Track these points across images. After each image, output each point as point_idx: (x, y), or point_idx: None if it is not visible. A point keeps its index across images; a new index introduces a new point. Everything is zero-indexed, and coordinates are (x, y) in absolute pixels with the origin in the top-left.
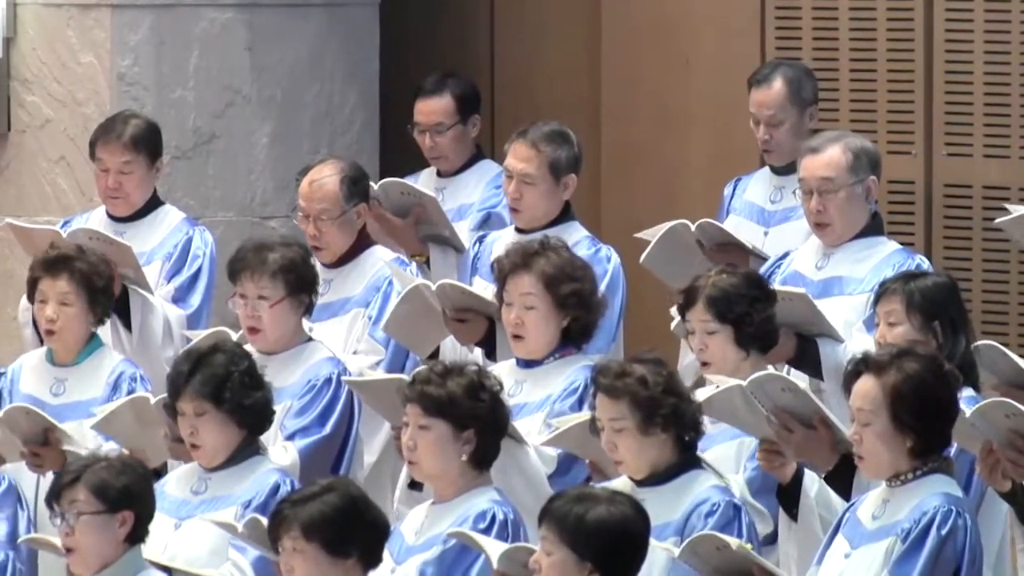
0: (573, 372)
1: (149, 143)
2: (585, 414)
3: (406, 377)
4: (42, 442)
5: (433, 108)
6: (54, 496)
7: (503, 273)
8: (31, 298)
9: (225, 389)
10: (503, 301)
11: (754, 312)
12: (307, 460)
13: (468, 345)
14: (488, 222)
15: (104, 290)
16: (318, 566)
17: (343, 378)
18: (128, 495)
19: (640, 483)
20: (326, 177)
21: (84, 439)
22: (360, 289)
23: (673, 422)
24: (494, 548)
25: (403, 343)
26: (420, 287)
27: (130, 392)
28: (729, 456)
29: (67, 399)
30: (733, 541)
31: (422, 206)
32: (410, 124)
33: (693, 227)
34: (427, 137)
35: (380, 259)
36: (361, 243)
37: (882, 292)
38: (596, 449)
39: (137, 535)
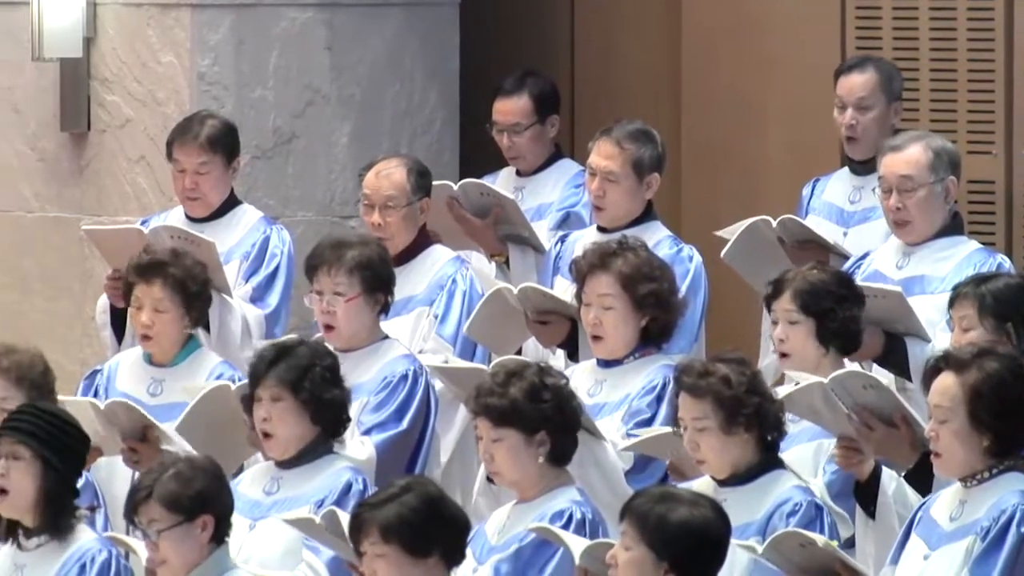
0: (653, 371)
1: (225, 143)
2: (665, 428)
3: (487, 369)
4: (140, 438)
5: (511, 108)
6: (131, 512)
7: (581, 274)
8: (127, 301)
9: (305, 379)
10: (582, 301)
11: (839, 309)
12: (384, 455)
13: (550, 347)
14: (567, 222)
15: (198, 294)
16: (400, 567)
17: (424, 363)
18: (202, 499)
19: (722, 483)
20: (393, 168)
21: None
22: (423, 288)
23: (756, 422)
24: (576, 544)
25: (486, 345)
26: (502, 290)
27: None
28: (807, 457)
29: (164, 400)
30: (819, 538)
31: (501, 207)
32: (489, 123)
33: (774, 223)
34: (505, 137)
35: (441, 258)
36: (422, 241)
37: (955, 296)
38: (676, 454)
39: (220, 535)
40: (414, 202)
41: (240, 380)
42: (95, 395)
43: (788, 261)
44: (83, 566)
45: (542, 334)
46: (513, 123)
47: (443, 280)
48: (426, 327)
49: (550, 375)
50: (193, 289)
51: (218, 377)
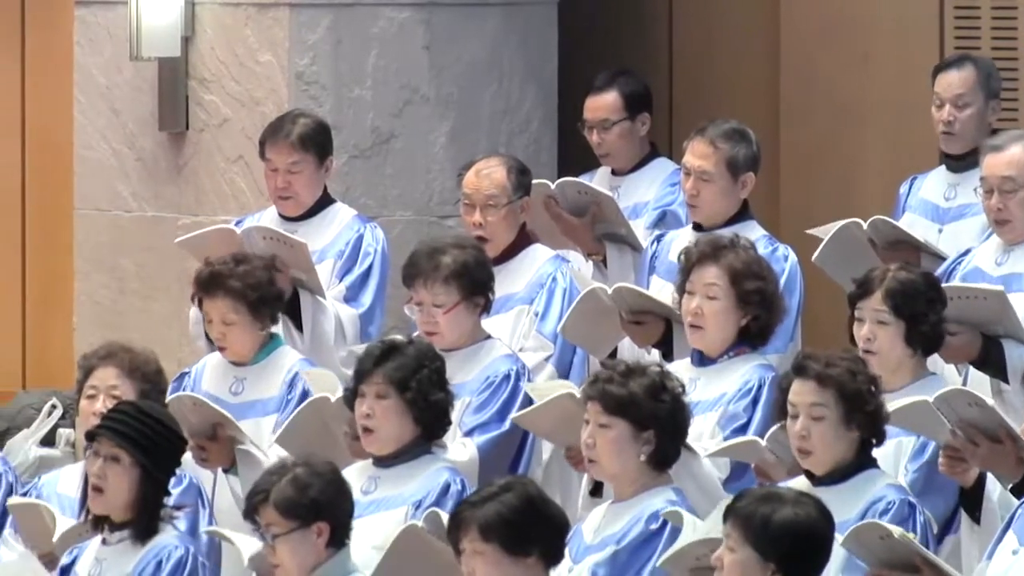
0: (748, 371)
1: (318, 142)
2: (749, 437)
3: (575, 389)
4: (210, 436)
5: (599, 104)
6: (251, 513)
7: (690, 262)
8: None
9: (412, 379)
10: (685, 290)
11: (930, 312)
12: (486, 456)
13: (645, 347)
14: (663, 221)
15: (263, 299)
16: (498, 566)
17: (513, 418)
18: (317, 507)
19: (817, 482)
20: (494, 167)
21: (260, 438)
22: (523, 286)
23: (868, 423)
24: (689, 533)
25: (580, 345)
26: (596, 290)
27: (305, 391)
28: (887, 455)
29: (245, 398)
30: (895, 529)
31: (599, 205)
32: (580, 121)
33: (865, 225)
34: (594, 133)
35: (541, 256)
36: (523, 239)
37: None
38: (760, 459)
39: (338, 539)
40: (514, 201)
41: None
42: None
43: (879, 263)
44: (159, 563)
45: (637, 334)
46: (601, 119)
47: (543, 278)
48: (526, 325)
49: (670, 380)
50: (254, 297)
51: (296, 374)
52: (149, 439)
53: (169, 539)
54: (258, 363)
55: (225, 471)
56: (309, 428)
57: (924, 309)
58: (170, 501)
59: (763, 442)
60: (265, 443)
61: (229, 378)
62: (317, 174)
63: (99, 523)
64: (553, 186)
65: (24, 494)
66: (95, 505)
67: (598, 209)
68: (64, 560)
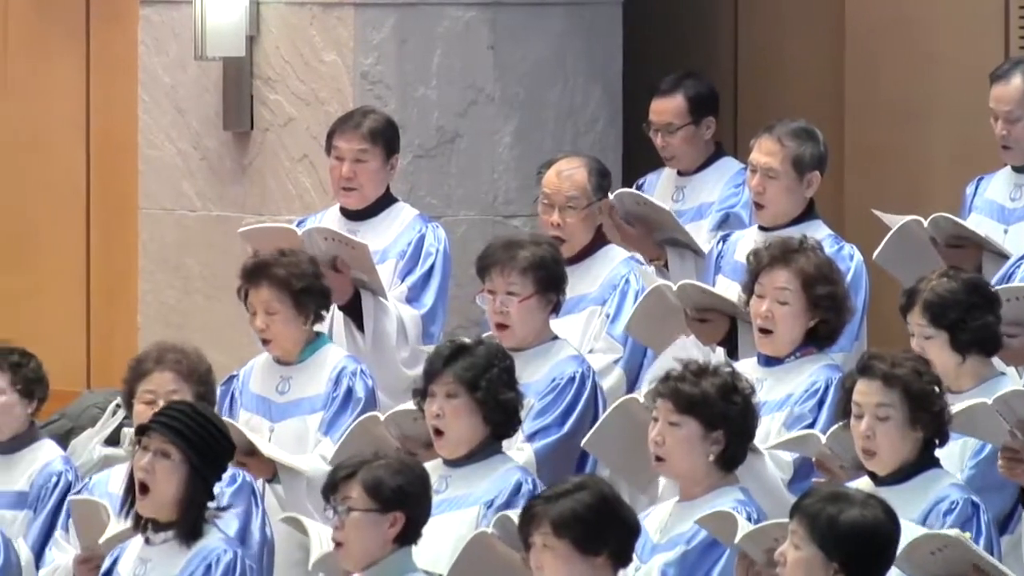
0: (815, 372)
1: (386, 137)
2: (808, 431)
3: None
4: (248, 452)
5: (665, 108)
6: (330, 489)
7: (760, 265)
8: (247, 307)
9: (483, 379)
10: (753, 292)
11: (968, 318)
12: (544, 460)
13: (709, 345)
14: (727, 222)
15: (307, 290)
16: (568, 563)
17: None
18: (402, 496)
19: (881, 482)
20: (575, 168)
21: (307, 435)
22: (596, 287)
23: (933, 424)
24: (744, 525)
25: (645, 343)
26: (661, 287)
27: (349, 388)
28: (952, 454)
29: (291, 396)
30: (951, 532)
31: (657, 216)
32: (646, 123)
33: (926, 223)
34: (659, 136)
35: (616, 258)
36: (599, 240)
37: None
38: (820, 452)
39: (408, 536)
40: (594, 203)
41: (364, 374)
42: (231, 399)
43: (940, 262)
44: (208, 566)
45: (701, 332)
46: (666, 123)
47: (616, 279)
48: (597, 326)
49: (741, 380)
50: (299, 286)
51: (341, 370)
52: (200, 438)
53: (216, 542)
54: (303, 361)
55: (268, 481)
56: (361, 447)
57: (962, 316)
58: (214, 504)
59: (822, 436)
60: (311, 441)
61: (275, 377)
62: (383, 170)
63: (141, 523)
64: (612, 196)
65: (77, 492)
66: (143, 507)
67: (658, 217)
68: (105, 564)
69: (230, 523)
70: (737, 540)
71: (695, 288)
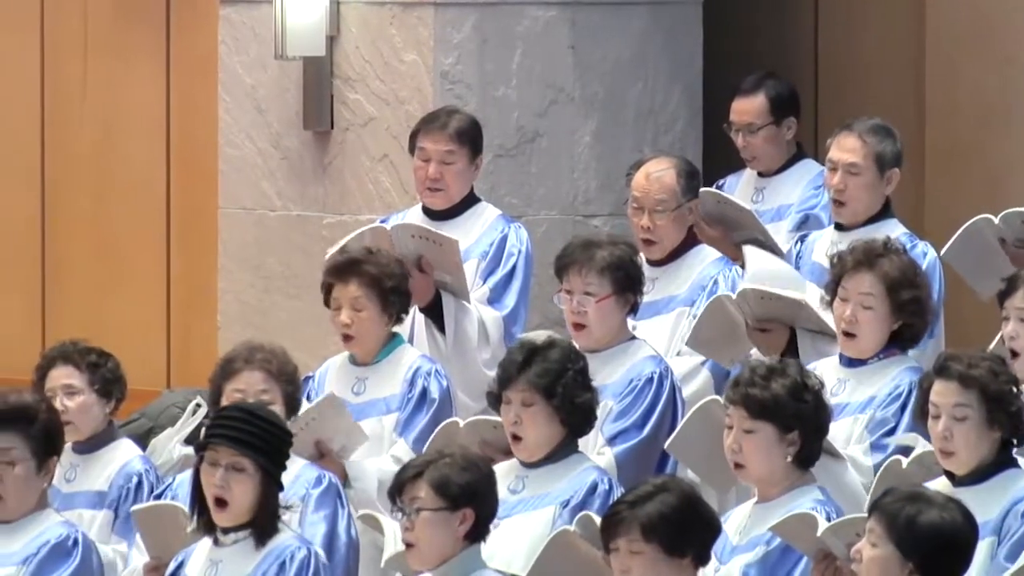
0: (898, 375)
1: (472, 138)
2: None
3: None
4: (318, 456)
5: (746, 108)
6: (396, 490)
7: (843, 268)
8: (327, 303)
9: (558, 384)
10: (836, 295)
11: None
12: (624, 464)
13: (771, 355)
14: (806, 224)
15: (395, 290)
16: (656, 566)
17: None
18: (470, 493)
19: (958, 482)
20: (664, 170)
21: (383, 436)
22: (685, 288)
23: (1010, 423)
24: (824, 522)
25: (708, 355)
26: (722, 299)
27: (424, 388)
28: None
29: (367, 397)
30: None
31: (739, 215)
32: (727, 123)
33: (996, 220)
34: (740, 136)
35: (706, 259)
36: (690, 241)
37: None
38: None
39: (477, 533)
40: (683, 204)
41: (439, 374)
42: (307, 400)
43: (1008, 263)
44: (282, 564)
45: (762, 342)
46: (748, 123)
47: (705, 281)
48: (685, 328)
49: (810, 378)
50: (389, 285)
51: (416, 370)
52: (266, 441)
53: (289, 540)
54: (379, 362)
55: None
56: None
57: None
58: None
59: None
60: (387, 441)
61: (351, 378)
62: (468, 170)
63: (211, 523)
64: None
65: (160, 493)
66: (221, 519)
67: (738, 217)
68: (170, 567)
69: (317, 527)
70: (820, 533)
71: (754, 292)
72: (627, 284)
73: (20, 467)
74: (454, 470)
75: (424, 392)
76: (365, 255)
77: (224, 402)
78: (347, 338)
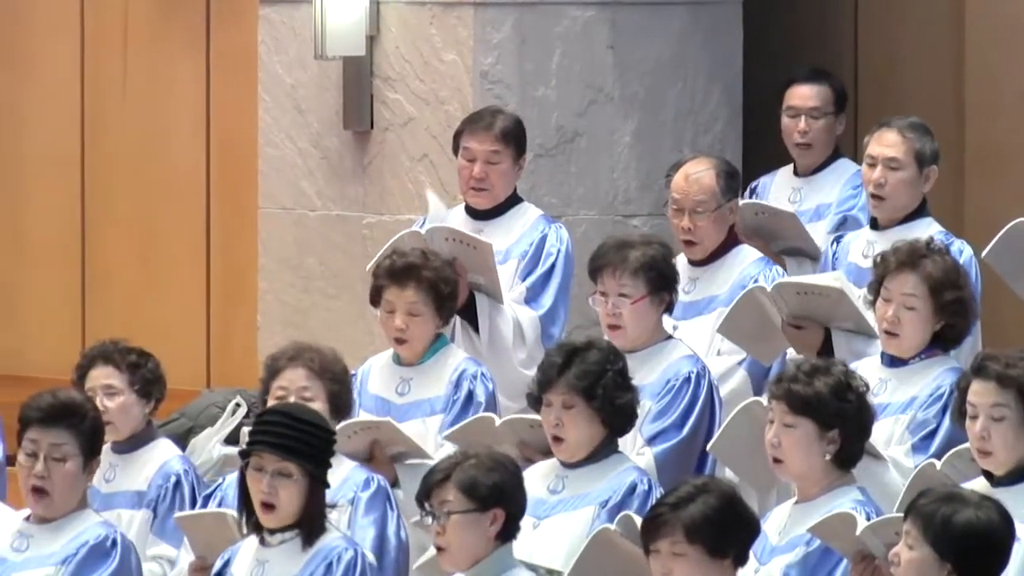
0: (940, 375)
1: (517, 138)
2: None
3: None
4: (367, 457)
5: (812, 93)
6: (424, 495)
7: (887, 269)
8: (375, 303)
9: (598, 386)
10: (878, 295)
11: None
12: (664, 464)
13: (805, 354)
14: (844, 225)
15: (451, 295)
16: (699, 567)
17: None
18: (499, 493)
19: (997, 482)
20: (703, 171)
21: (427, 438)
22: (726, 288)
23: None
24: (864, 521)
25: (744, 349)
26: (756, 291)
27: (470, 391)
28: None
29: (411, 398)
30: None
31: (779, 221)
32: (787, 107)
33: None
34: (802, 120)
35: (747, 259)
36: (731, 241)
37: None
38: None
39: (507, 532)
40: (723, 205)
41: (484, 377)
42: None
43: None
44: (329, 565)
45: (796, 339)
46: (813, 107)
47: (745, 280)
48: None
49: (854, 378)
50: (446, 291)
51: (461, 373)
52: (311, 445)
53: (336, 540)
54: (424, 363)
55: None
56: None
57: None
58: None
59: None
60: (431, 443)
61: (396, 379)
62: (512, 170)
63: (259, 527)
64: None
65: (210, 494)
66: (268, 520)
67: (778, 225)
68: (216, 566)
69: (366, 531)
70: (859, 532)
71: (791, 286)
72: (661, 283)
73: (70, 463)
74: (481, 471)
75: (470, 395)
76: (422, 259)
77: (270, 401)
78: (399, 341)
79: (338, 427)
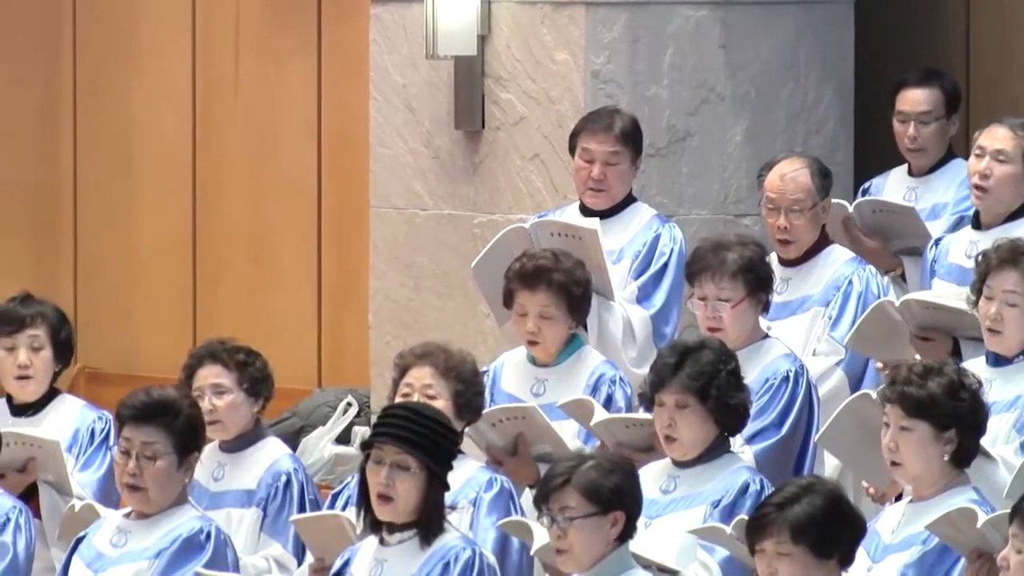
0: None
1: (635, 139)
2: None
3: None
4: (511, 452)
5: (922, 98)
6: (543, 498)
7: (988, 267)
8: (507, 305)
9: (712, 386)
10: (981, 294)
11: None
12: (764, 463)
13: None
14: (960, 225)
15: (584, 296)
16: (804, 567)
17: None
18: (619, 494)
19: None
20: (798, 170)
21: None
22: (820, 288)
23: None
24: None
25: (871, 356)
26: (885, 304)
27: (609, 396)
28: None
29: (547, 399)
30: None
31: (899, 218)
32: (897, 111)
33: None
34: (911, 126)
35: (840, 259)
36: (823, 240)
37: None
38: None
39: (627, 532)
40: (818, 203)
41: (623, 381)
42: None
43: None
44: (446, 564)
45: (925, 351)
46: (923, 111)
47: (839, 281)
48: (820, 328)
49: (967, 377)
50: (577, 292)
51: (599, 377)
52: (432, 441)
53: (454, 540)
54: (561, 364)
55: (530, 487)
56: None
57: None
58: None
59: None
60: (570, 447)
61: (531, 378)
62: (629, 171)
63: (376, 523)
64: (850, 208)
65: (338, 492)
66: (383, 513)
67: (898, 221)
68: (336, 565)
69: (488, 532)
70: (979, 525)
71: (918, 302)
72: (759, 284)
73: (162, 461)
74: (601, 473)
75: (609, 399)
76: (553, 262)
77: (396, 398)
78: (532, 344)
79: (483, 413)
